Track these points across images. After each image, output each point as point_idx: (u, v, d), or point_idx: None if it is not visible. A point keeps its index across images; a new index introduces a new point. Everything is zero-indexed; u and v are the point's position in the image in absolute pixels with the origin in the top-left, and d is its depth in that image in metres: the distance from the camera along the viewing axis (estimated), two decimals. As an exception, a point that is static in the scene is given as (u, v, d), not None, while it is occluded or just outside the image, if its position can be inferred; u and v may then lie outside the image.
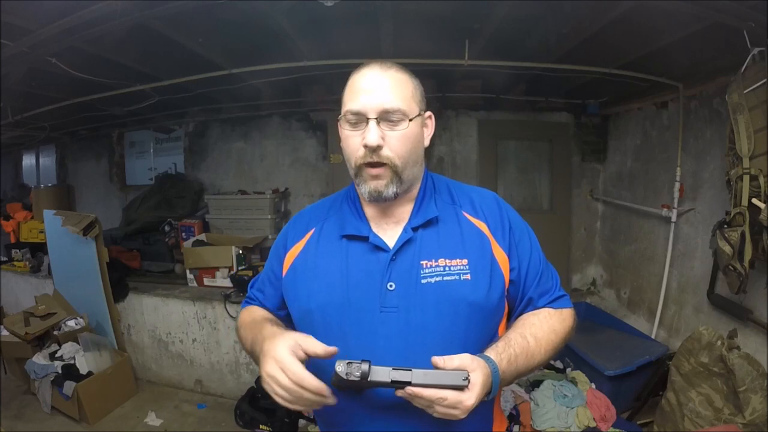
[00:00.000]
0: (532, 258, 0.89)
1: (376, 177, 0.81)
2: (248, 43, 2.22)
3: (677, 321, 2.56)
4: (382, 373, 0.69)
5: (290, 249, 0.92)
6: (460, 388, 0.68)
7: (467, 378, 0.68)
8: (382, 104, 0.79)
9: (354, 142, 0.81)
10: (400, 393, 0.69)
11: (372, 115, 0.79)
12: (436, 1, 1.84)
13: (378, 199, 0.83)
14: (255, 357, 0.84)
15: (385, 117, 0.79)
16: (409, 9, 1.88)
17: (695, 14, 1.61)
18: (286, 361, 0.70)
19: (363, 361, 0.69)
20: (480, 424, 0.85)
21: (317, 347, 0.72)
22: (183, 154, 4.13)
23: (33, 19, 1.69)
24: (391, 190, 0.82)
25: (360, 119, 0.80)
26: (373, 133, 0.78)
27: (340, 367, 0.69)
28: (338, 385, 0.72)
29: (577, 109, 3.46)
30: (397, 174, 0.82)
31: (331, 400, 0.71)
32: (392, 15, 1.93)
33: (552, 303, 0.90)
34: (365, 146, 0.79)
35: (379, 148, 0.79)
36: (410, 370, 0.68)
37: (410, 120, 0.81)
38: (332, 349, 0.72)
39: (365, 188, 0.83)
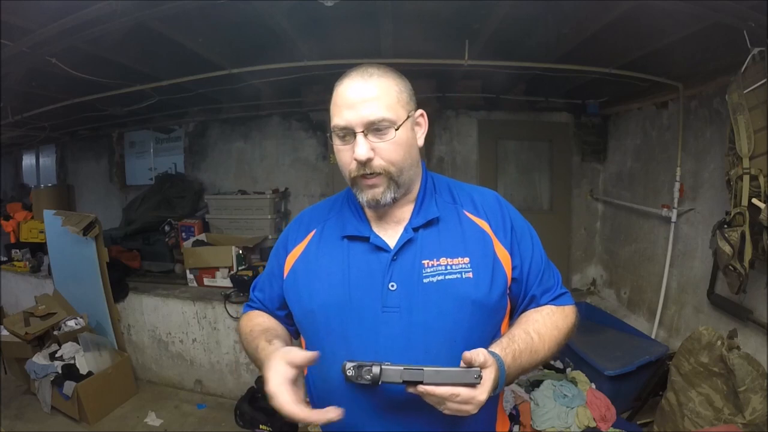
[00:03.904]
0: (534, 256, 0.90)
1: (372, 186, 0.82)
2: (248, 43, 2.22)
3: (677, 321, 2.56)
4: (393, 374, 0.68)
5: (291, 251, 0.92)
6: (471, 386, 0.68)
7: (479, 375, 0.68)
8: (366, 117, 0.78)
9: (345, 155, 0.82)
10: (411, 389, 0.69)
11: (358, 129, 0.78)
12: (436, 1, 1.85)
13: (377, 206, 0.83)
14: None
15: (372, 128, 0.79)
16: (409, 9, 1.88)
17: (695, 14, 1.61)
18: (279, 400, 0.70)
19: (374, 363, 0.69)
20: (484, 423, 0.85)
21: (298, 359, 0.73)
22: (183, 154, 4.13)
23: (33, 19, 1.69)
24: (389, 196, 0.82)
25: (348, 133, 0.80)
26: (361, 147, 0.78)
27: (351, 372, 0.69)
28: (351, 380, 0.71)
29: (577, 109, 3.46)
30: (392, 180, 0.82)
31: (332, 414, 0.71)
32: (392, 15, 1.93)
33: (554, 300, 0.90)
34: (356, 160, 0.79)
35: (369, 160, 0.79)
36: (422, 369, 0.68)
37: (398, 128, 0.80)
38: (312, 354, 0.73)
39: (363, 197, 0.83)
